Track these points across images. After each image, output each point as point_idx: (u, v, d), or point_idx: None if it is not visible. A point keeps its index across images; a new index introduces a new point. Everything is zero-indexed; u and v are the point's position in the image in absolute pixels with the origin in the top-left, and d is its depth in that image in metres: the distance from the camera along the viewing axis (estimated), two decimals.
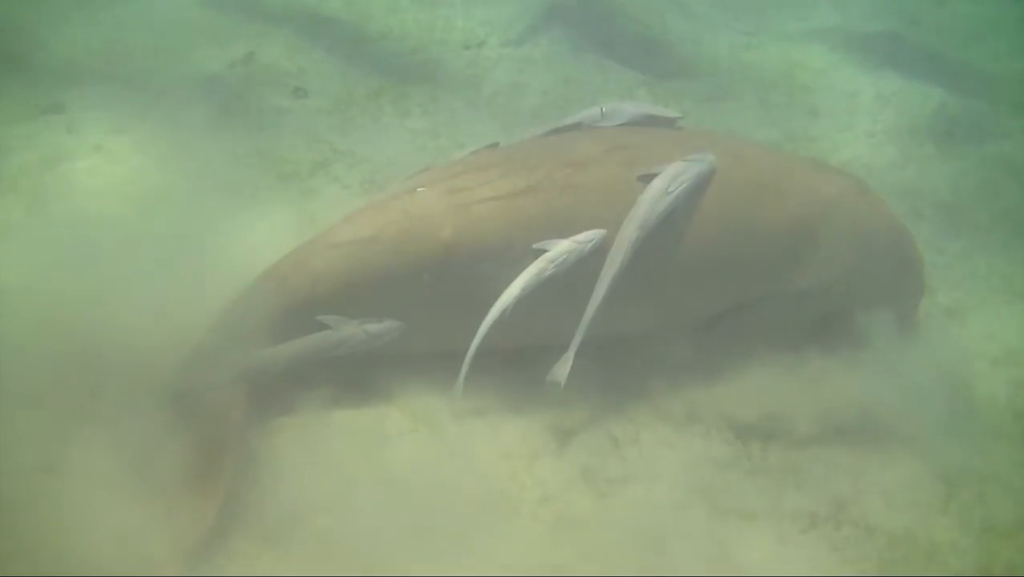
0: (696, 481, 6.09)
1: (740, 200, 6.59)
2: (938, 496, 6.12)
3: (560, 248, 6.16)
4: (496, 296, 6.08)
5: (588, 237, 6.21)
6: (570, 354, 6.05)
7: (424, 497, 5.71)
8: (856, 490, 6.07)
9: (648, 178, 6.35)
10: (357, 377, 6.35)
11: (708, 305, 6.76)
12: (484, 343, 6.03)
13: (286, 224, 7.72)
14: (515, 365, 6.33)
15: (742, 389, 6.55)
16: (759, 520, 5.88)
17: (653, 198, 6.26)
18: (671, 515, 5.86)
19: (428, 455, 6.04)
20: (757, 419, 6.43)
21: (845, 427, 6.39)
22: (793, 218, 6.72)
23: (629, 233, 6.18)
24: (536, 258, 6.15)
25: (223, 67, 10.42)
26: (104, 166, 8.43)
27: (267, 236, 7.37)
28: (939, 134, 10.86)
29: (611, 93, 10.83)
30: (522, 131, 7.46)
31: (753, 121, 10.77)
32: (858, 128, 10.88)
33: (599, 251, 6.20)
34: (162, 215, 7.41)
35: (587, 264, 6.18)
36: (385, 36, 11.42)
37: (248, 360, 6.06)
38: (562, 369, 6.02)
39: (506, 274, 6.13)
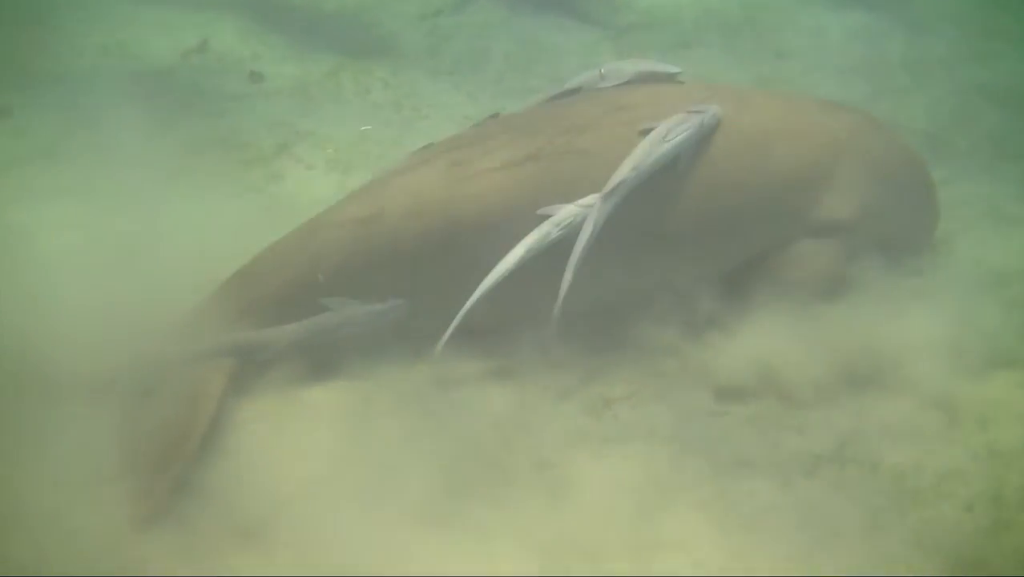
0: (693, 434, 5.95)
1: (750, 147, 6.51)
2: (941, 426, 5.98)
3: (564, 212, 6.08)
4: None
5: (591, 201, 6.11)
6: (562, 291, 5.97)
7: (415, 474, 5.55)
8: (858, 428, 5.92)
9: (649, 132, 6.25)
10: (337, 356, 6.22)
11: (728, 254, 6.63)
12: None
13: (252, 210, 7.58)
14: (498, 330, 6.19)
15: (739, 340, 6.38)
16: (761, 467, 5.72)
17: (650, 142, 6.17)
18: (670, 470, 5.71)
19: (416, 430, 5.86)
20: (754, 368, 6.25)
21: (846, 367, 6.23)
22: (807, 160, 6.64)
23: (622, 173, 6.07)
24: (541, 224, 6.08)
25: (176, 58, 10.27)
26: (57, 169, 8.21)
27: (234, 224, 7.32)
28: (911, 64, 10.73)
29: (573, 52, 10.70)
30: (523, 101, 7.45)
31: (721, 67, 10.64)
32: (828, 65, 10.74)
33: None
34: (123, 213, 7.25)
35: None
36: (340, 12, 11.27)
37: (242, 337, 6.07)
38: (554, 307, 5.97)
39: (511, 242, 6.07)
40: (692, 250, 6.48)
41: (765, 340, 6.28)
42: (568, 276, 5.98)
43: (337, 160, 8.43)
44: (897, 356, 6.23)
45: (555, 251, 6.03)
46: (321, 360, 6.18)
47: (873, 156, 6.91)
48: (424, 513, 5.31)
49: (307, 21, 10.99)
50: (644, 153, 6.13)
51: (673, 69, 7.03)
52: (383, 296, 6.19)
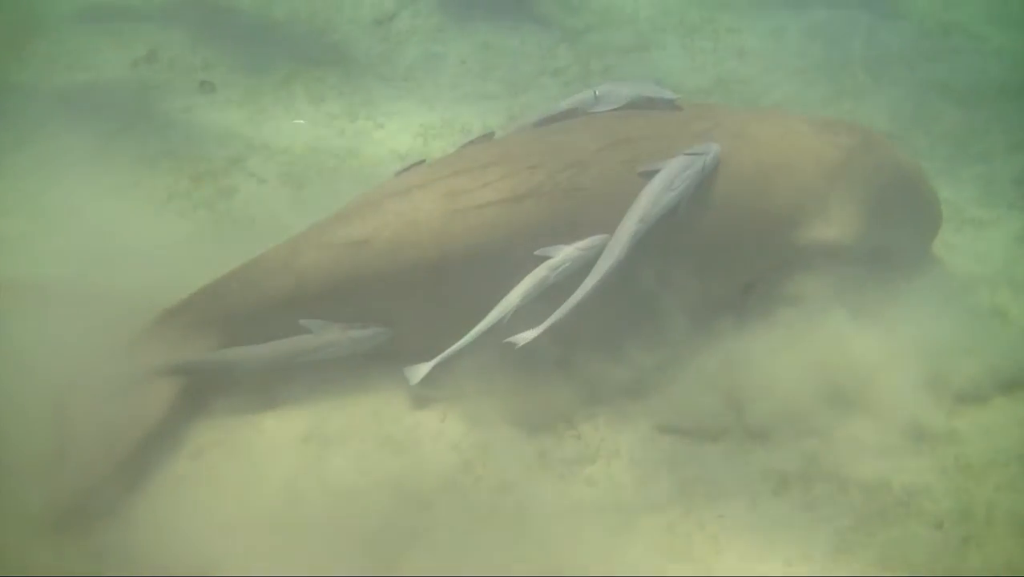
0: (657, 454, 5.85)
1: (749, 186, 6.48)
2: (909, 441, 5.90)
3: (562, 255, 6.01)
4: (493, 302, 5.94)
5: (590, 243, 6.04)
6: (541, 328, 5.87)
7: (374, 502, 5.45)
8: (825, 446, 5.84)
9: (650, 174, 6.19)
10: (290, 380, 6.10)
11: (721, 283, 6.55)
12: None
13: (202, 227, 7.40)
14: (460, 353, 6.04)
15: (703, 361, 6.30)
16: (728, 486, 5.63)
17: (656, 192, 6.10)
18: (635, 491, 5.61)
19: (374, 456, 5.75)
20: (721, 387, 6.18)
21: (813, 384, 6.14)
22: (804, 192, 6.63)
23: (629, 226, 6.01)
24: (537, 265, 6.00)
25: (125, 68, 10.02)
26: (2, 184, 8.01)
27: (184, 240, 7.20)
28: (870, 62, 10.66)
29: (531, 55, 10.57)
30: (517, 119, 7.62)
31: (680, 69, 10.55)
32: (788, 65, 10.65)
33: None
34: (71, 231, 7.08)
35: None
36: (292, 19, 11.08)
37: (213, 356, 5.97)
38: (527, 335, 5.87)
39: (505, 280, 5.98)
40: (686, 283, 6.36)
41: (736, 359, 6.21)
42: (558, 315, 5.90)
43: (291, 173, 8.24)
44: (865, 372, 6.17)
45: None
46: (284, 382, 6.08)
47: (870, 178, 6.91)
48: (379, 547, 5.21)
49: (258, 29, 10.75)
50: (650, 203, 6.07)
51: (670, 95, 6.88)
52: (366, 321, 6.09)
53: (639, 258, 6.06)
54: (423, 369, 5.99)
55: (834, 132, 7.16)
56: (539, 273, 5.95)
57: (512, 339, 5.85)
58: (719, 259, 6.43)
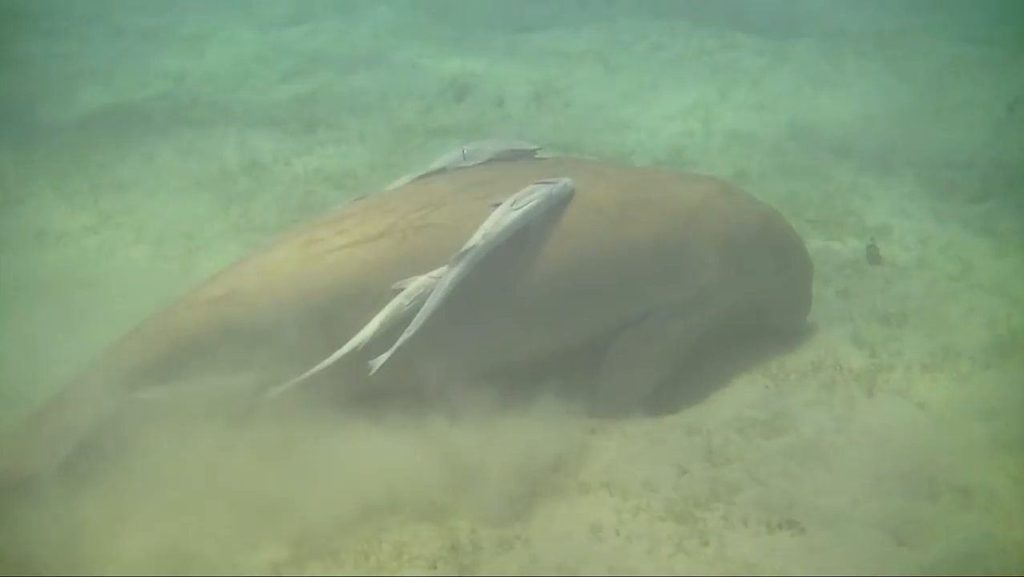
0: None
1: (603, 219, 6.63)
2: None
3: (415, 284, 6.22)
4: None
5: (442, 271, 6.24)
6: (390, 352, 6.09)
7: None
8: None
9: (500, 205, 6.44)
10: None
11: (583, 327, 6.70)
12: None
13: None
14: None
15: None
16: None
17: (499, 212, 6.34)
18: None
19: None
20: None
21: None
22: (660, 231, 6.75)
23: (472, 241, 6.21)
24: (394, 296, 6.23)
25: None
26: None
27: None
28: None
29: None
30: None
31: None
32: None
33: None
34: None
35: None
36: None
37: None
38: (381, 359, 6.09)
39: (367, 313, 6.21)
40: (547, 322, 6.57)
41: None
42: (407, 335, 6.09)
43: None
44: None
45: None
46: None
47: (727, 224, 7.02)
48: None
49: None
50: (494, 221, 6.30)
51: (531, 146, 7.30)
52: (239, 370, 6.15)
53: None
54: (278, 390, 6.09)
55: (692, 179, 7.44)
56: (395, 302, 6.17)
57: (370, 363, 6.06)
58: (576, 297, 6.57)
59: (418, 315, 6.12)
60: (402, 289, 6.20)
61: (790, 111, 12.67)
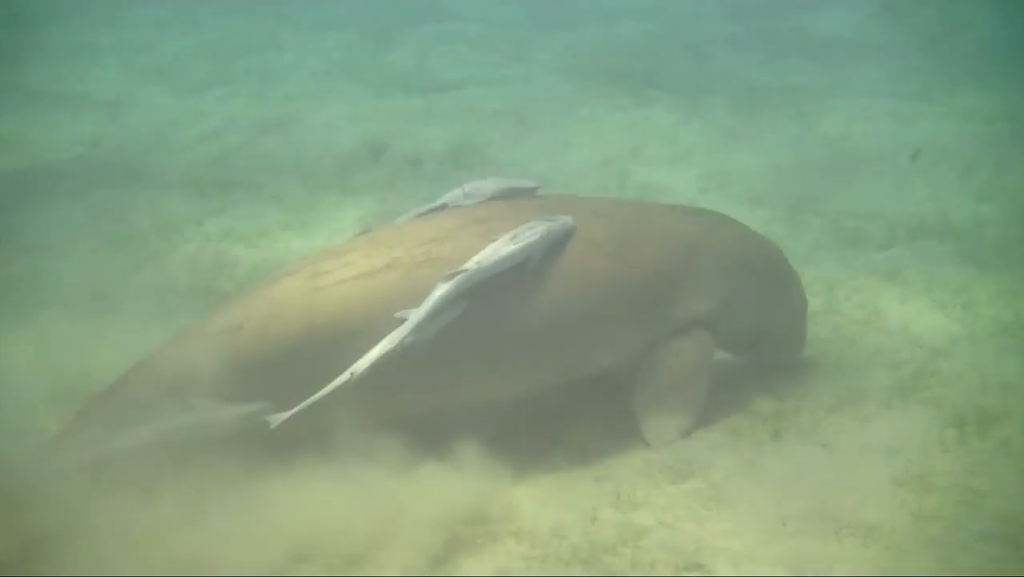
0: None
1: (606, 254, 6.77)
2: None
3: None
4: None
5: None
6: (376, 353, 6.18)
7: None
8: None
9: None
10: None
11: (591, 359, 6.87)
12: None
13: None
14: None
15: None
16: None
17: (497, 244, 6.46)
18: None
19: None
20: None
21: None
22: (662, 263, 6.92)
23: (464, 266, 6.33)
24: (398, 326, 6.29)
25: None
26: None
27: None
28: None
29: None
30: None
31: None
32: None
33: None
34: None
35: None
36: None
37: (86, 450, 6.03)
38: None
39: (372, 344, 6.28)
40: (555, 355, 6.73)
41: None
42: (386, 346, 6.17)
43: None
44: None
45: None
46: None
47: (727, 253, 7.23)
48: None
49: None
50: (490, 252, 6.41)
51: (531, 184, 7.38)
52: (251, 399, 6.23)
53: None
54: (282, 416, 6.13)
55: (690, 211, 7.65)
56: (397, 333, 6.21)
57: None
58: (581, 331, 6.72)
59: (403, 326, 6.20)
60: (404, 320, 6.24)
61: (702, 164, 12.87)
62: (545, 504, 6.26)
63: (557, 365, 6.80)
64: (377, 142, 13.54)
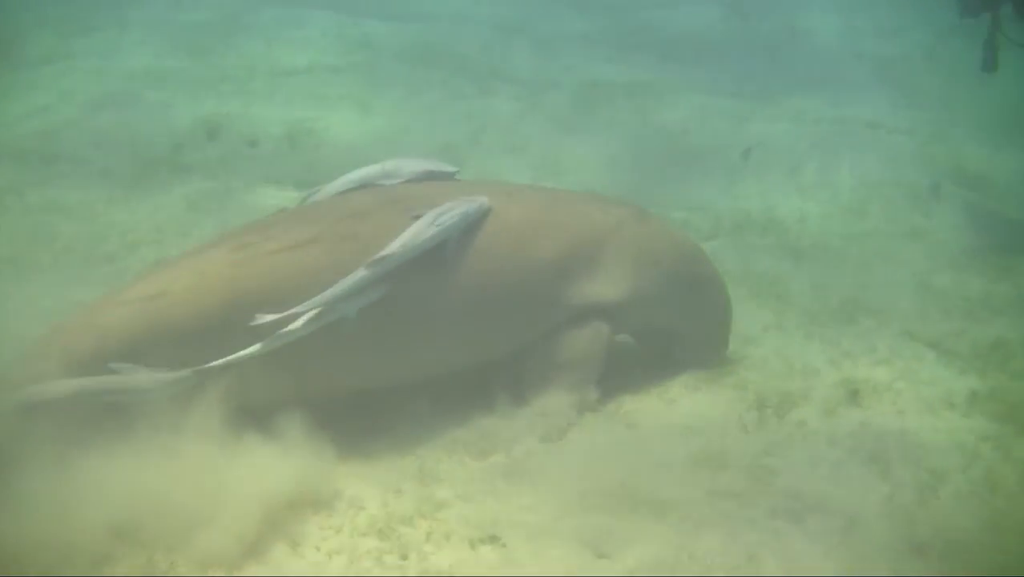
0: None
1: (516, 236, 6.88)
2: None
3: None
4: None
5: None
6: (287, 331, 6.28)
7: None
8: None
9: (420, 217, 6.63)
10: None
11: (497, 340, 6.97)
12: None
13: None
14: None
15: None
16: None
17: (420, 224, 6.54)
18: None
19: None
20: None
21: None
22: (573, 247, 7.02)
23: (390, 249, 6.41)
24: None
25: None
26: None
27: None
28: None
29: None
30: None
31: None
32: None
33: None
34: None
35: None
36: None
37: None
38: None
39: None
40: (461, 336, 6.82)
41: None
42: (299, 323, 6.26)
43: None
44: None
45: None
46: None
47: (638, 247, 7.28)
48: None
49: None
50: (412, 234, 6.50)
51: (451, 168, 7.51)
52: (173, 367, 6.18)
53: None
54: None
55: (607, 201, 7.71)
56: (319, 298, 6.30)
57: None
58: (489, 311, 6.82)
59: (312, 301, 6.26)
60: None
61: (538, 154, 13.01)
62: (347, 478, 6.25)
63: (463, 349, 6.89)
64: (214, 122, 13.39)
